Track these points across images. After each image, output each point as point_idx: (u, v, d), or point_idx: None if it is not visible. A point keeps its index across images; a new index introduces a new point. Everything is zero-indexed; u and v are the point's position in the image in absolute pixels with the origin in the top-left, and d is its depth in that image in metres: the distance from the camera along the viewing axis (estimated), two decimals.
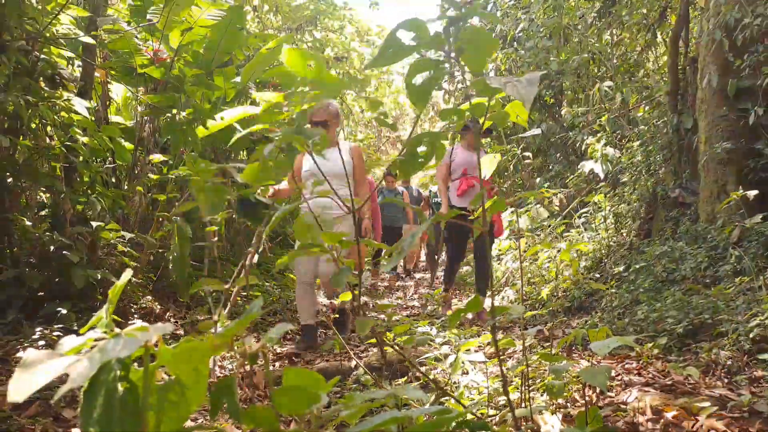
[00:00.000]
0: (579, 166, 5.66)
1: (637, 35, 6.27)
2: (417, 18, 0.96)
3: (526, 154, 7.13)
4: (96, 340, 0.47)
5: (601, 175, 5.32)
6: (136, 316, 3.22)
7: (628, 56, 6.51)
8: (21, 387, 0.38)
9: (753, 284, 2.83)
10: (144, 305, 3.39)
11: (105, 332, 0.50)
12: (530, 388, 1.95)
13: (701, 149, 4.24)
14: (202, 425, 0.46)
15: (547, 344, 3.00)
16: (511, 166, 7.57)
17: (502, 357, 2.83)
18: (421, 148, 0.98)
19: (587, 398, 2.04)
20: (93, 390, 0.45)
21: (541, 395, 2.09)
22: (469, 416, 1.50)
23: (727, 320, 2.55)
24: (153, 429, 0.50)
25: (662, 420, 1.82)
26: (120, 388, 0.46)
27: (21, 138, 2.91)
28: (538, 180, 7.21)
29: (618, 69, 6.17)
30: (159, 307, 3.54)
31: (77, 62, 3.50)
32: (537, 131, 2.26)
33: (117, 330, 0.49)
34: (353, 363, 3.19)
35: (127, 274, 0.57)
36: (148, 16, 3.65)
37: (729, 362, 2.26)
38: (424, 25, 0.97)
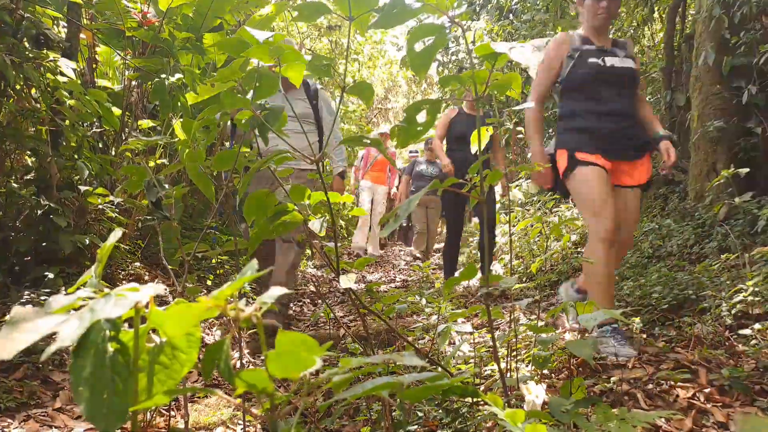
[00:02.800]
0: None
1: (635, 10, 6.20)
2: None
3: (519, 128, 7.11)
4: (85, 299, 0.46)
5: None
6: (124, 282, 3.21)
7: (625, 31, 6.44)
8: (9, 344, 0.38)
9: (738, 261, 2.87)
10: (132, 272, 3.38)
11: (94, 292, 0.49)
12: (516, 359, 1.98)
13: (693, 127, 4.24)
14: (190, 387, 0.46)
15: (534, 317, 3.04)
16: (503, 140, 7.54)
17: (489, 328, 2.87)
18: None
19: (571, 369, 2.08)
20: (82, 350, 0.44)
21: (526, 366, 2.12)
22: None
23: (711, 296, 2.59)
24: (144, 390, 0.50)
25: (644, 391, 1.86)
26: (110, 348, 0.45)
27: (5, 99, 2.83)
28: (530, 155, 7.20)
29: None
30: (147, 274, 3.54)
31: (63, 23, 3.40)
32: (531, 104, 2.24)
33: (107, 290, 0.48)
34: (341, 332, 3.22)
35: (116, 234, 0.56)
36: None
37: (711, 337, 2.31)
38: None
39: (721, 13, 4.02)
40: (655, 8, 5.78)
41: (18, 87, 2.87)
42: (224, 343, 0.47)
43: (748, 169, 2.87)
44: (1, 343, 0.37)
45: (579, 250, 4.46)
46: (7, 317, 0.41)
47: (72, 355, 0.44)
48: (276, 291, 0.45)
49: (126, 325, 0.48)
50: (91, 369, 0.44)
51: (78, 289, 0.49)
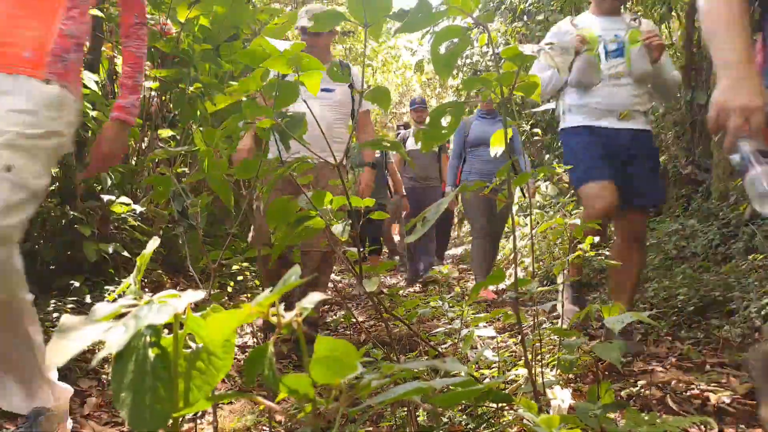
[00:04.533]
0: None
1: (652, 9, 6.13)
2: None
3: (536, 130, 7.07)
4: (127, 306, 0.47)
5: None
6: (146, 289, 3.24)
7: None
8: (61, 352, 0.38)
9: (765, 262, 2.82)
10: (154, 279, 3.42)
11: (135, 299, 0.50)
12: (541, 364, 1.95)
13: None
14: (228, 393, 0.47)
15: (557, 320, 3.00)
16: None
17: (512, 333, 2.84)
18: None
19: (597, 373, 2.05)
20: (124, 356, 0.45)
21: (551, 370, 2.10)
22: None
23: (738, 297, 2.54)
24: (181, 396, 0.51)
25: (671, 395, 1.82)
26: (151, 354, 0.46)
27: None
28: (547, 156, 7.15)
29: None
30: (169, 281, 3.57)
31: None
32: (551, 105, 2.22)
33: (148, 297, 0.49)
34: (362, 337, 3.22)
35: (154, 243, 0.57)
36: None
37: (740, 339, 2.26)
38: None
39: None
40: (673, 6, 5.71)
41: None
42: (267, 349, 0.47)
43: None
44: (53, 351, 0.38)
45: (601, 252, 4.41)
46: (57, 326, 0.42)
47: (114, 361, 0.45)
48: (315, 297, 0.45)
49: (166, 330, 0.48)
50: (133, 375, 0.44)
51: (119, 296, 0.50)
